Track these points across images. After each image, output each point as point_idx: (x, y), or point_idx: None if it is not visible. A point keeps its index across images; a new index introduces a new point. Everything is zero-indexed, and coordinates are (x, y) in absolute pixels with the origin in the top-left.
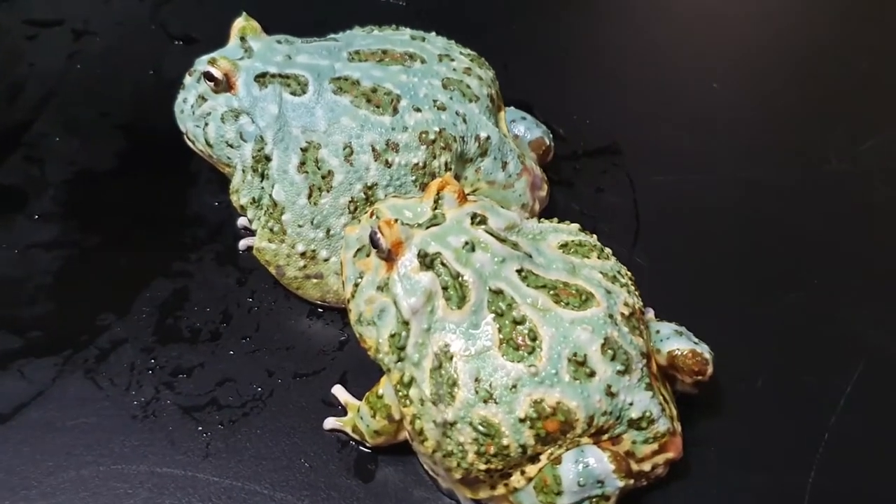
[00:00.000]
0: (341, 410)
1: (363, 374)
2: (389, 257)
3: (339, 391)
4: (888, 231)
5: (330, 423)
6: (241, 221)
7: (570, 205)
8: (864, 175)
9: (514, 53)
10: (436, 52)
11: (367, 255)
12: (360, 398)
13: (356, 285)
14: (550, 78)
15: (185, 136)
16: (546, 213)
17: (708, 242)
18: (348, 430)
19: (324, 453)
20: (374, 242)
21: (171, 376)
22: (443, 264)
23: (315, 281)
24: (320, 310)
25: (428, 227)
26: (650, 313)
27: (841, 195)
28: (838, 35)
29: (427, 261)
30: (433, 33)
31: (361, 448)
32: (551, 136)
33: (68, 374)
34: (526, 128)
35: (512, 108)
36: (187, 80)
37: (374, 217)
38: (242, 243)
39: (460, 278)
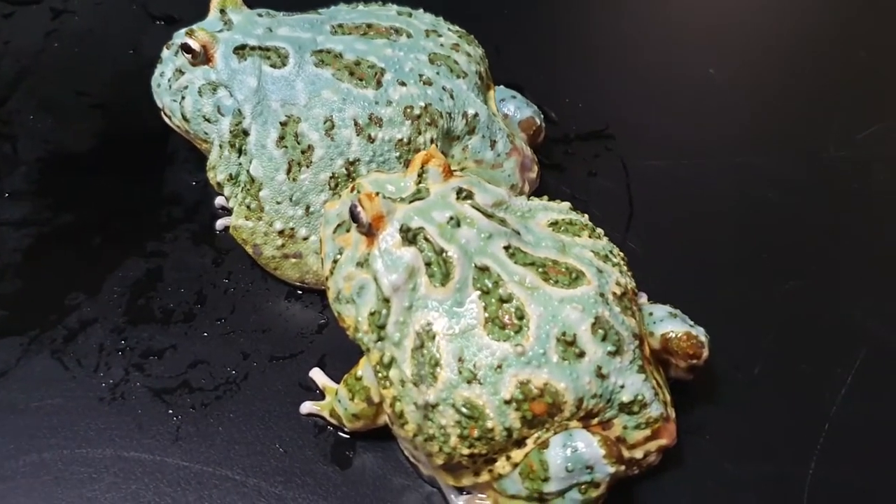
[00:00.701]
0: (319, 394)
1: (342, 358)
2: (370, 232)
3: (316, 374)
4: (887, 218)
5: (306, 407)
6: (219, 201)
7: (562, 188)
8: (862, 162)
9: (505, 35)
10: (423, 27)
11: (347, 231)
12: (338, 381)
13: (335, 262)
14: (542, 61)
15: (161, 112)
16: (536, 196)
17: (703, 228)
18: (325, 414)
19: (299, 438)
20: (354, 216)
21: (142, 358)
22: (426, 239)
23: (294, 261)
24: (299, 291)
25: (411, 202)
26: (643, 298)
27: (839, 182)
28: (837, 21)
29: (409, 236)
30: (420, 10)
31: (339, 433)
32: (542, 116)
33: (34, 354)
34: (516, 107)
35: (502, 86)
36: (165, 53)
37: (354, 191)
38: (219, 223)
39: (444, 254)
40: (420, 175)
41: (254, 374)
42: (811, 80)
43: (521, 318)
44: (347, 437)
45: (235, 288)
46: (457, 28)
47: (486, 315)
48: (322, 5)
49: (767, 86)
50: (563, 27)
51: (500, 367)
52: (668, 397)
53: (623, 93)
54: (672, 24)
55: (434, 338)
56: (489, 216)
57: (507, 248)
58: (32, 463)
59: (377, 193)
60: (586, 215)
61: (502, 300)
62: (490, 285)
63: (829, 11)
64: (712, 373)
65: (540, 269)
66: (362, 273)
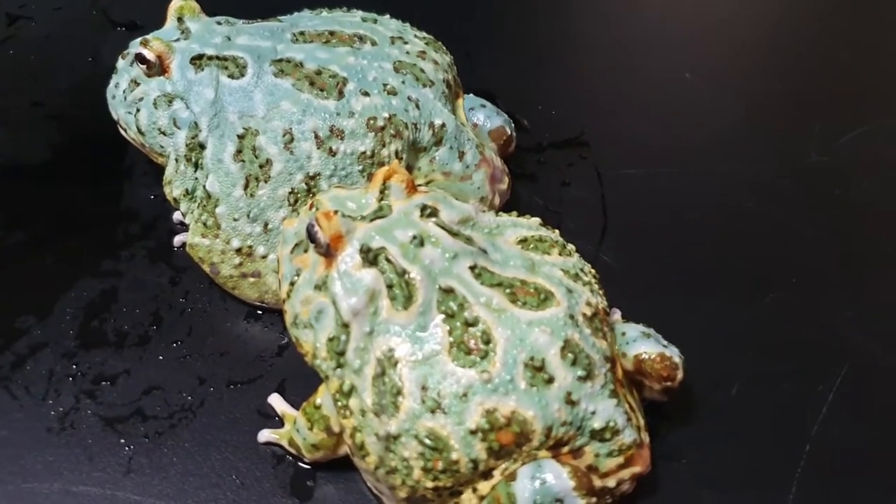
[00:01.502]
0: (278, 422)
1: (304, 382)
2: (328, 253)
3: (275, 400)
4: (869, 227)
5: (264, 435)
6: (177, 216)
7: (534, 199)
8: (843, 168)
9: (476, 41)
10: (388, 34)
11: (305, 251)
12: (299, 408)
13: (292, 284)
14: (514, 67)
15: (117, 124)
16: (507, 208)
17: (679, 240)
18: (284, 443)
19: (257, 469)
20: (311, 236)
21: (93, 384)
22: (387, 260)
23: (252, 280)
24: (259, 311)
25: (372, 220)
26: (616, 315)
27: (820, 190)
28: (817, 24)
29: (370, 256)
30: (387, 16)
31: (299, 463)
32: (513, 125)
33: None
34: (486, 116)
35: (471, 95)
36: (120, 63)
37: (313, 209)
38: (177, 239)
39: (407, 276)
40: (382, 191)
41: (210, 400)
42: (790, 83)
43: (487, 342)
44: (308, 467)
45: (193, 308)
46: (424, 34)
47: (451, 340)
48: (286, 11)
49: (745, 90)
50: (536, 32)
51: (465, 395)
52: (642, 421)
53: (598, 99)
54: (647, 29)
55: (396, 365)
56: (454, 234)
57: (472, 268)
58: None
59: (336, 212)
60: (557, 231)
61: (468, 324)
62: (455, 308)
63: (808, 14)
64: (689, 393)
65: (507, 290)
66: (320, 296)
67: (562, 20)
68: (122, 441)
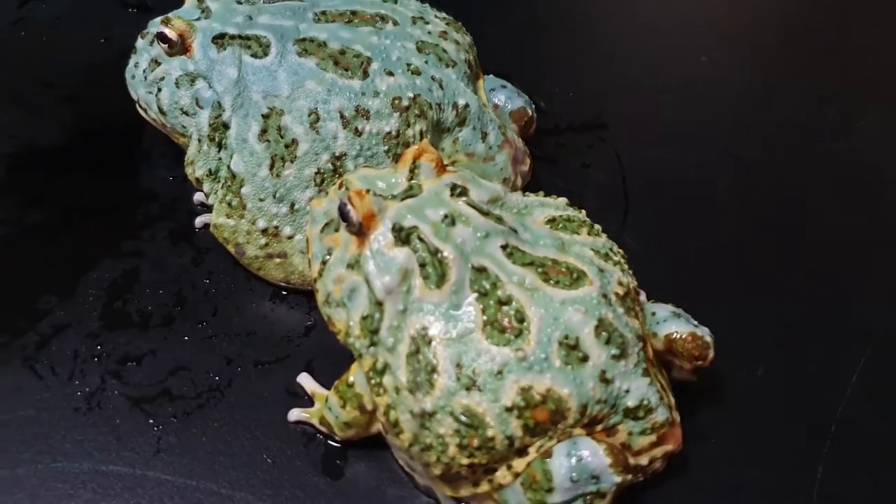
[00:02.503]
0: (307, 401)
1: (332, 361)
2: (360, 232)
3: (304, 380)
4: (891, 211)
5: (295, 414)
6: (198, 197)
7: (554, 181)
8: (861, 152)
9: (492, 22)
10: (409, 14)
11: (336, 230)
12: (328, 387)
13: (324, 263)
14: (531, 48)
15: (136, 104)
16: (528, 190)
17: (700, 222)
18: (315, 422)
19: (288, 448)
20: (343, 215)
21: (119, 365)
22: (420, 239)
23: (278, 261)
24: (284, 292)
25: (403, 199)
26: (642, 296)
27: (839, 173)
28: (836, 7)
29: (402, 235)
30: None
31: (330, 442)
32: (533, 106)
33: (4, 363)
34: (507, 97)
35: (491, 76)
36: (140, 42)
37: (343, 188)
38: (199, 220)
39: (439, 255)
40: (412, 170)
41: (238, 380)
42: (808, 65)
43: (521, 321)
44: (338, 446)
45: (217, 289)
46: (444, 15)
47: (485, 318)
48: None
49: (762, 72)
50: (551, 13)
51: (500, 372)
52: (673, 401)
53: (614, 81)
54: (664, 10)
55: (430, 343)
56: (485, 214)
57: (504, 247)
58: (5, 479)
59: (367, 191)
60: (584, 211)
61: (501, 302)
62: (488, 287)
63: None
64: (715, 373)
65: (539, 270)
66: (353, 275)
67: (577, 2)
68: (151, 421)
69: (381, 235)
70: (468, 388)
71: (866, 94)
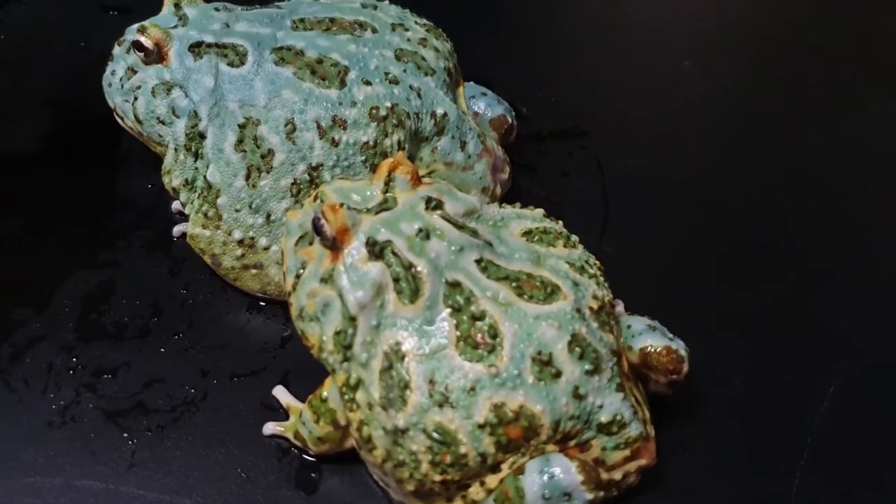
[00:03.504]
0: (283, 414)
1: (308, 373)
2: (334, 246)
3: (280, 393)
4: (871, 218)
5: (269, 428)
6: (176, 205)
7: (534, 189)
8: (845, 158)
9: (474, 28)
10: (388, 21)
11: (311, 244)
12: (304, 400)
13: (298, 277)
14: (513, 54)
15: (114, 112)
16: (508, 198)
17: (681, 230)
18: (290, 436)
19: (262, 463)
20: (317, 229)
21: (94, 377)
22: (394, 254)
23: (254, 271)
24: (261, 303)
25: (378, 213)
26: (620, 306)
27: (822, 181)
28: (818, 10)
29: (376, 250)
30: (386, 1)
31: (304, 456)
32: (514, 113)
33: None
34: (487, 104)
35: (471, 83)
36: (116, 50)
37: (317, 201)
38: (176, 229)
39: (413, 269)
40: (387, 183)
41: (213, 393)
42: (790, 71)
43: (494, 336)
44: (313, 460)
45: (193, 300)
46: (424, 21)
47: (458, 334)
48: None
49: (745, 78)
50: (534, 19)
51: (473, 389)
52: (648, 414)
53: (597, 87)
54: (647, 16)
55: (403, 359)
56: (460, 227)
57: (479, 261)
58: None
59: (342, 204)
60: (560, 222)
61: (475, 318)
62: (462, 302)
63: (808, 1)
64: (692, 385)
65: (514, 284)
66: (326, 289)
67: (558, 8)
68: (125, 435)
69: (354, 250)
70: (441, 405)
71: (849, 101)
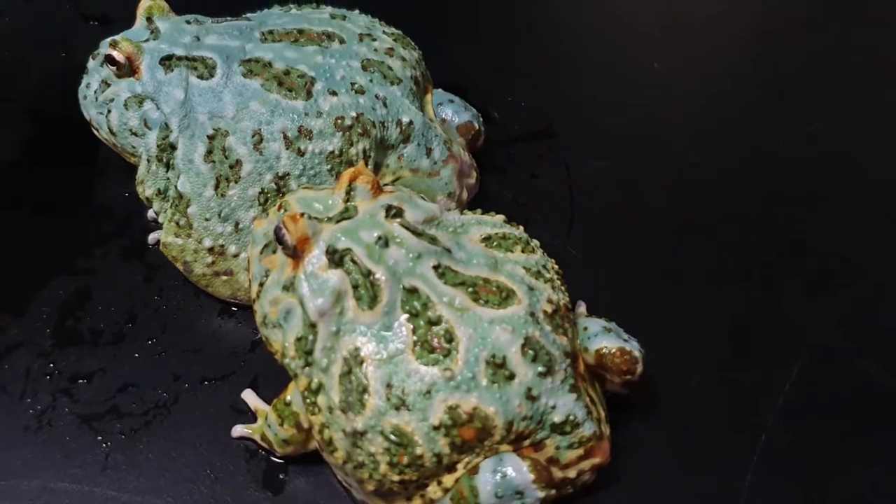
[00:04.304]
0: (252, 417)
1: (276, 377)
2: (296, 254)
3: (248, 396)
4: (833, 220)
5: (238, 430)
6: (151, 213)
7: (503, 193)
8: (809, 162)
9: (447, 32)
10: (356, 31)
11: (274, 252)
12: (271, 403)
13: (261, 285)
14: (485, 58)
15: (89, 124)
16: (476, 202)
17: (644, 231)
18: (257, 438)
19: (231, 464)
20: (278, 238)
21: (70, 382)
22: (353, 261)
23: (224, 278)
24: (233, 308)
25: (338, 221)
26: (582, 307)
27: (785, 182)
28: (785, 15)
29: (336, 258)
30: (356, 11)
31: (271, 458)
32: (481, 119)
33: None
34: (454, 111)
35: (440, 90)
36: (91, 63)
37: (280, 210)
38: (151, 237)
39: (372, 276)
40: (348, 192)
41: (185, 396)
42: (757, 75)
43: (450, 341)
44: (280, 461)
45: (167, 306)
46: (392, 31)
47: (415, 338)
48: (256, 7)
49: (713, 81)
50: (505, 23)
51: (428, 392)
52: (603, 414)
53: (566, 90)
54: (616, 19)
55: (362, 363)
56: (419, 234)
57: (436, 267)
58: None
59: (303, 214)
60: (521, 227)
61: (431, 323)
62: (419, 307)
63: (774, 4)
64: (650, 384)
65: (470, 289)
66: (288, 297)
67: (530, 12)
68: (99, 438)
69: (314, 258)
70: (398, 408)
71: (814, 103)
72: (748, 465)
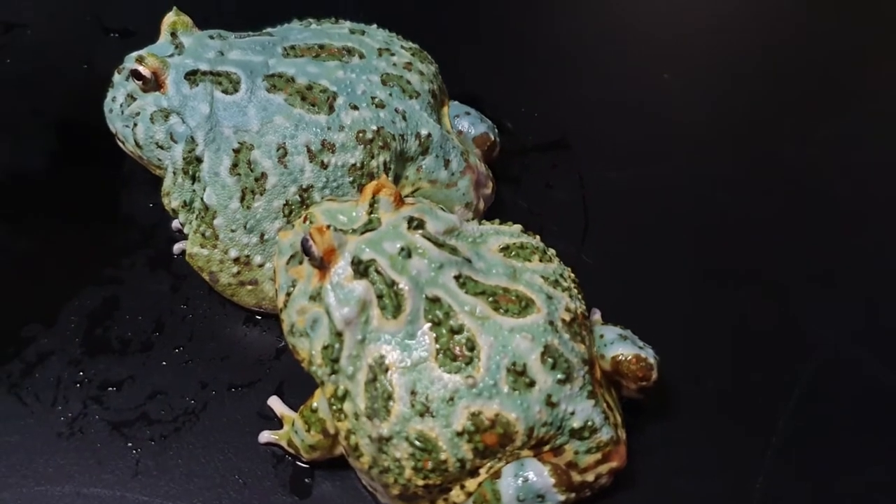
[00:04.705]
0: (278, 423)
1: (301, 384)
2: (322, 265)
3: (274, 403)
4: (841, 224)
5: (265, 436)
6: (176, 224)
7: (518, 202)
8: (817, 167)
9: (461, 44)
10: (375, 45)
11: (300, 263)
12: (297, 409)
13: (288, 295)
14: (498, 70)
15: (115, 137)
16: (492, 212)
17: (657, 239)
18: (283, 444)
19: (258, 469)
20: (305, 250)
21: (100, 390)
22: (377, 272)
23: (250, 287)
24: (258, 316)
25: (363, 233)
26: (597, 315)
27: (793, 188)
28: (792, 23)
29: (361, 268)
30: (374, 26)
31: (298, 463)
32: (497, 130)
33: None
34: (470, 123)
35: (456, 102)
36: (116, 77)
37: (306, 222)
38: (177, 247)
39: (396, 286)
40: (371, 205)
41: (212, 403)
42: (766, 82)
43: (471, 349)
44: (306, 466)
45: (193, 314)
46: (410, 45)
47: (438, 347)
48: (275, 19)
49: (723, 89)
50: (518, 34)
51: (451, 399)
52: (620, 419)
53: (579, 101)
54: (626, 30)
55: (387, 371)
56: (440, 245)
57: (457, 277)
58: None
59: (328, 226)
60: (538, 237)
61: (453, 331)
62: (441, 316)
63: (786, 13)
64: (665, 388)
65: (490, 299)
66: (315, 306)
67: (542, 23)
68: (129, 444)
69: (340, 269)
70: (422, 415)
71: (826, 111)
72: (760, 466)
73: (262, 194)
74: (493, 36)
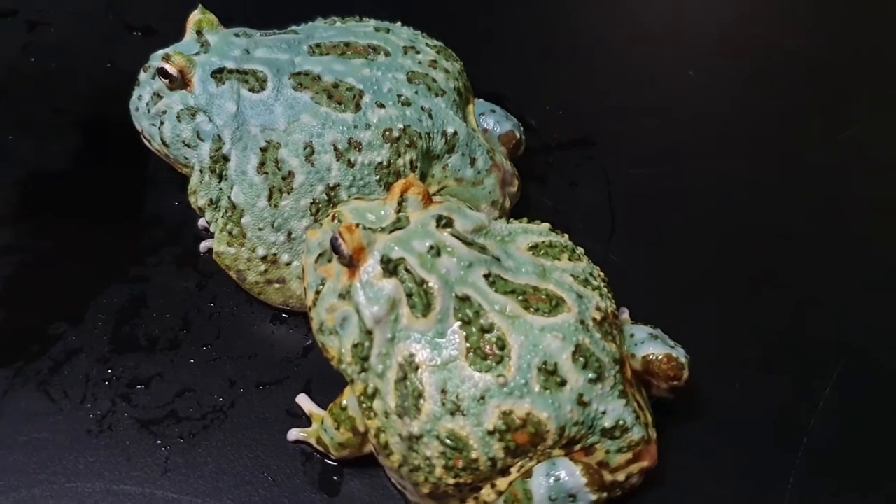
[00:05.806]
0: (306, 421)
1: (329, 381)
2: (351, 263)
3: (303, 400)
4: (868, 225)
5: (293, 434)
6: (202, 222)
7: (543, 200)
8: (843, 168)
9: (484, 42)
10: (401, 43)
11: (329, 261)
12: (325, 407)
13: (317, 293)
14: (522, 67)
15: (141, 135)
16: (517, 210)
17: (684, 237)
18: (312, 441)
19: (287, 467)
20: (335, 248)
21: (128, 388)
22: (407, 270)
23: (277, 286)
24: (284, 315)
25: (391, 231)
26: (625, 314)
27: (820, 189)
28: (818, 24)
29: (390, 267)
30: (399, 24)
31: (327, 460)
32: (522, 128)
33: (19, 388)
34: (495, 121)
35: (481, 100)
36: (142, 76)
37: (335, 221)
38: (203, 245)
39: (425, 285)
40: (400, 203)
41: (241, 401)
42: (792, 81)
43: (502, 348)
44: (335, 464)
45: (220, 312)
46: (435, 42)
47: (468, 345)
48: (299, 17)
49: (748, 88)
50: (542, 32)
51: (482, 398)
52: (650, 418)
53: (603, 98)
54: (652, 27)
55: (417, 369)
56: (469, 244)
57: (487, 276)
58: (22, 500)
59: (357, 225)
60: (566, 235)
61: (483, 330)
62: (471, 315)
63: (811, 14)
64: (694, 389)
65: (520, 297)
66: (345, 305)
67: (567, 21)
68: (159, 442)
69: (370, 267)
70: (453, 413)
71: (851, 112)
72: (790, 467)
73: (289, 193)
74: (517, 34)
